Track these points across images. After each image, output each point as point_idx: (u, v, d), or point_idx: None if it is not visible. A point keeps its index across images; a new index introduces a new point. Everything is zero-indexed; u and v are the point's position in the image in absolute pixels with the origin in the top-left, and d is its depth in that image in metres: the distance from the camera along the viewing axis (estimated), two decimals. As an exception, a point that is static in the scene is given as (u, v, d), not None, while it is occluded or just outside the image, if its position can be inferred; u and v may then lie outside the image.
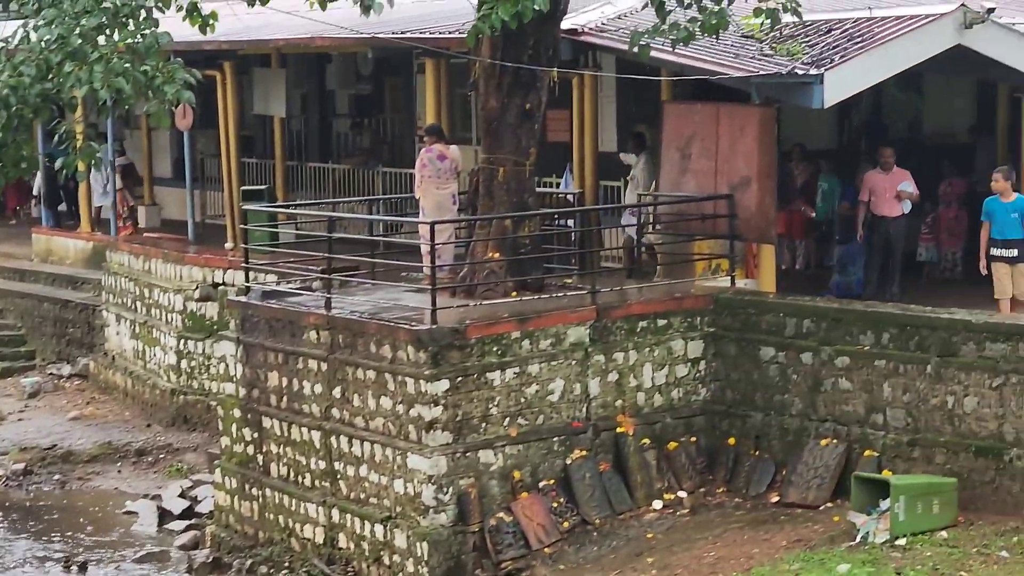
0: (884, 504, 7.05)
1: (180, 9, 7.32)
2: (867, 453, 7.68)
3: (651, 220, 9.88)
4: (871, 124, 12.62)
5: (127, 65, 6.73)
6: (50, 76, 6.85)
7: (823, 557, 7.05)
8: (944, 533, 7.03)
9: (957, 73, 10.56)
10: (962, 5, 8.43)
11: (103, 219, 16.24)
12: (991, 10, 8.42)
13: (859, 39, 8.69)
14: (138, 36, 6.96)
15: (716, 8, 7.80)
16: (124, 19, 6.97)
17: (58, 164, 7.56)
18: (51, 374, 15.43)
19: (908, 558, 6.81)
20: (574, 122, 10.88)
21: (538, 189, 9.77)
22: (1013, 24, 9.00)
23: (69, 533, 10.79)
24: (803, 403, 8.11)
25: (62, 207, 18.37)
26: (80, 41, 6.64)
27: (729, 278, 9.08)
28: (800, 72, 8.15)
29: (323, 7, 7.50)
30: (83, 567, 9.42)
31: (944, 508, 7.07)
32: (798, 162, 11.17)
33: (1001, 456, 7.06)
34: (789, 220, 10.83)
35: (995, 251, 8.44)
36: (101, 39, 6.81)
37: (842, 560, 6.89)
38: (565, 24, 9.35)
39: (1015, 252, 8.31)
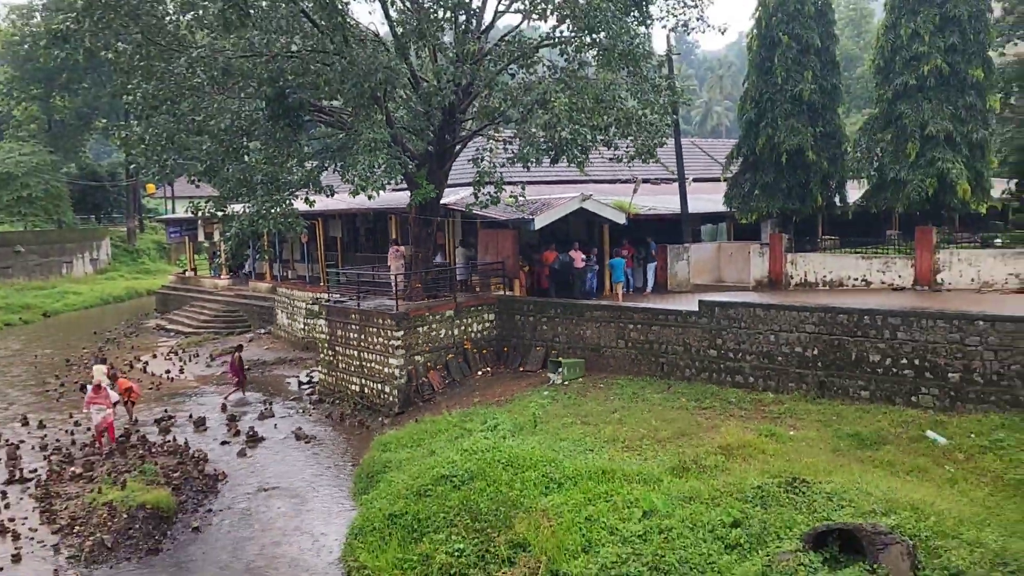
0: (560, 369, 20.87)
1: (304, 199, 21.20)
2: (553, 352, 21.86)
3: (476, 270, 24.38)
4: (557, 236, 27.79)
5: (289, 220, 20.47)
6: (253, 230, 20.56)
7: (539, 390, 19.53)
8: (581, 379, 20.80)
9: (578, 217, 25.72)
10: (580, 193, 23.52)
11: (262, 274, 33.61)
12: (588, 196, 23.52)
13: (547, 205, 23.55)
14: (284, 205, 20.64)
15: (495, 195, 22.35)
16: (280, 199, 20.63)
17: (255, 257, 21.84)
18: (258, 333, 31.49)
19: (569, 389, 19.81)
20: (447, 237, 25.35)
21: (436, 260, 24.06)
22: (603, 200, 24.16)
23: (268, 391, 23.95)
24: (530, 335, 22.31)
25: (246, 270, 36.05)
26: (269, 209, 20.38)
27: (503, 291, 23.48)
28: (527, 218, 22.85)
29: (369, 197, 21.63)
30: (269, 404, 22.27)
31: (580, 370, 20.59)
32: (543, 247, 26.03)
33: (600, 351, 21.29)
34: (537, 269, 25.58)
35: (617, 280, 23.49)
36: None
37: (545, 391, 19.82)
38: (443, 201, 23.68)
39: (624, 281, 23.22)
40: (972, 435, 13.72)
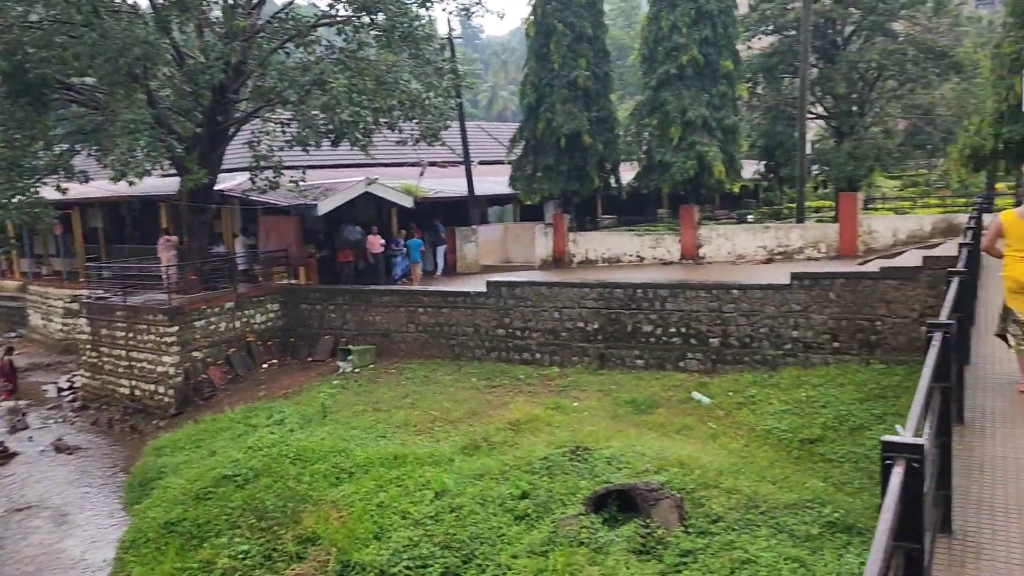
0: (350, 357, 20.61)
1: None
2: (342, 340, 21.40)
3: (258, 259, 23.25)
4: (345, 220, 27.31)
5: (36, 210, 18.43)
6: None
7: (328, 380, 19.67)
8: (372, 366, 20.69)
9: (366, 202, 25.41)
10: (366, 177, 23.12)
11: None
12: (373, 180, 23.19)
13: (331, 190, 22.93)
14: (29, 193, 18.56)
15: (274, 180, 21.37)
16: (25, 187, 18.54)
17: None
18: (7, 337, 27.71)
19: (360, 376, 20.43)
20: (225, 225, 23.92)
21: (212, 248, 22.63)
22: (390, 184, 23.93)
23: (22, 400, 21.16)
24: (318, 324, 21.67)
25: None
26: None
27: (287, 279, 22.63)
28: (310, 203, 22.10)
29: (130, 183, 19.81)
30: (22, 414, 19.83)
31: (370, 357, 20.49)
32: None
33: (391, 336, 21.16)
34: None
35: (414, 261, 23.26)
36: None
37: (335, 380, 19.98)
38: (219, 187, 22.31)
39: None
40: (730, 393, 15.04)
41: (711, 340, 16.16)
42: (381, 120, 20.33)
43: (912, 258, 15.95)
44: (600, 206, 31.58)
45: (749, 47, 35.06)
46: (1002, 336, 7.09)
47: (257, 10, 20.43)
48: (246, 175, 21.15)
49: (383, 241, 22.91)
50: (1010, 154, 18.37)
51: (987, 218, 14.41)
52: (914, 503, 2.55)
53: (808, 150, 40.43)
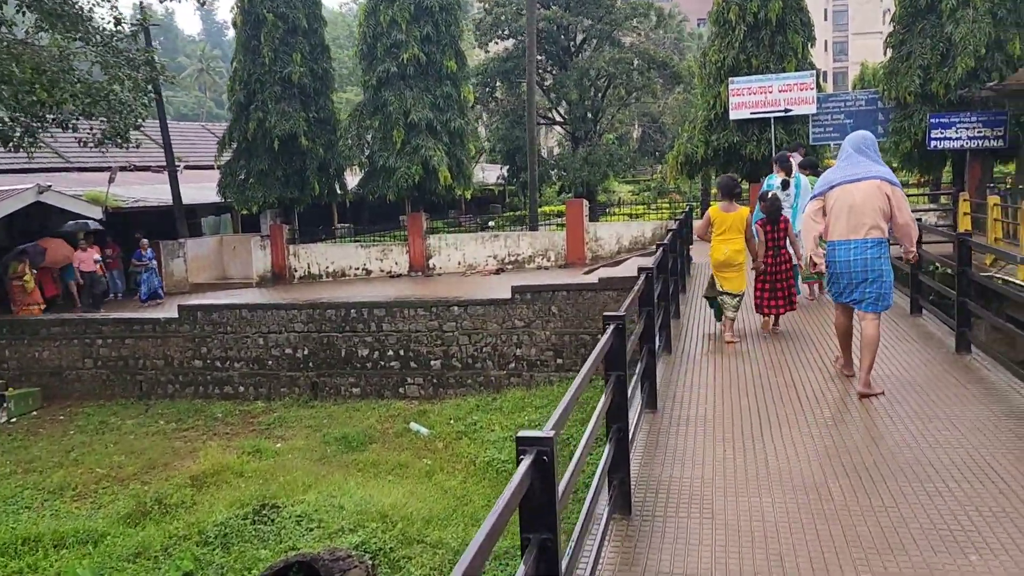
0: (6, 404, 16.20)
1: None
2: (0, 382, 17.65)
3: None
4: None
5: None
6: None
7: None
8: (36, 413, 16.14)
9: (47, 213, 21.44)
10: (37, 184, 19.33)
11: None
12: (46, 187, 19.42)
13: None
14: None
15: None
16: None
17: None
18: None
19: (17, 428, 15.42)
20: None
21: None
22: (70, 192, 20.24)
23: None
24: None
25: None
26: None
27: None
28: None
29: None
30: None
31: (34, 402, 16.01)
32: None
33: (63, 375, 17.57)
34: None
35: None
36: None
37: None
38: None
39: None
40: (452, 421, 13.78)
41: (432, 363, 14.83)
42: (49, 117, 16.99)
43: (632, 266, 15.68)
44: (335, 214, 29.50)
45: (487, 51, 34.71)
46: (709, 299, 9.04)
47: None
48: None
49: (98, 256, 19.21)
50: (718, 160, 18.87)
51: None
52: (545, 494, 2.64)
53: (550, 155, 41.18)
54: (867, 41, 69.21)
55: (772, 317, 8.89)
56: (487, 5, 33.45)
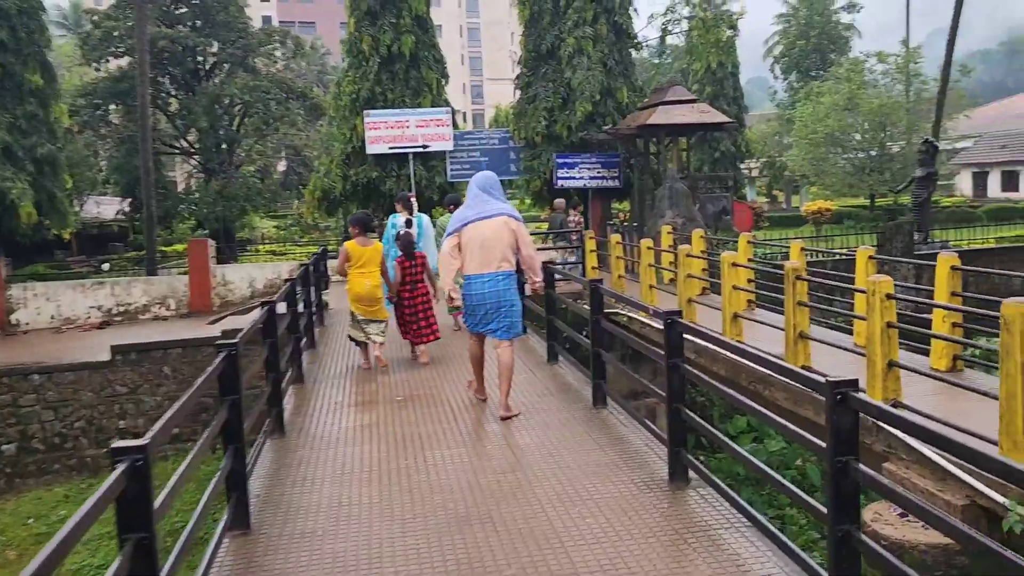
0: None
1: None
2: None
3: None
4: None
5: None
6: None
7: None
8: None
9: None
10: None
11: None
12: None
13: None
14: None
15: None
16: None
17: None
18: None
19: None
20: None
21: None
22: None
23: None
24: None
25: None
26: None
27: None
28: None
29: None
30: None
31: None
32: None
33: None
34: None
35: None
36: None
37: None
38: None
39: None
40: (30, 520, 10.88)
41: (4, 447, 11.68)
42: None
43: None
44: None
45: (98, 69, 30.39)
46: (351, 338, 9.11)
47: None
48: None
49: None
50: (358, 195, 17.93)
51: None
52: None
53: (187, 187, 37.19)
54: (500, 86, 74.64)
55: (420, 347, 9.22)
56: (96, 18, 29.31)
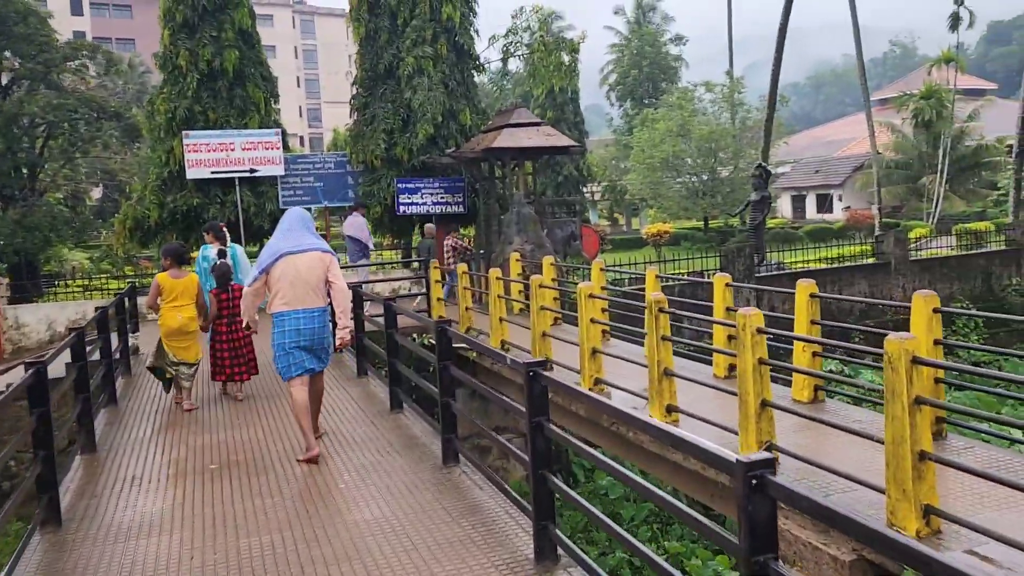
0: None
1: None
2: None
3: None
4: None
5: None
6: None
7: None
8: None
9: None
10: None
11: None
12: None
13: None
14: None
15: None
16: None
17: None
18: None
19: None
20: None
21: None
22: None
23: None
24: None
25: None
26: None
27: None
28: None
29: None
30: None
31: None
32: None
33: None
34: None
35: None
36: None
37: None
38: None
39: None
40: None
41: None
42: None
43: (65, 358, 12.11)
44: None
45: None
46: (152, 369, 8.54)
47: None
48: None
49: None
50: (177, 225, 16.21)
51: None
52: None
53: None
54: (337, 109, 72.66)
55: (237, 384, 8.81)
56: None
